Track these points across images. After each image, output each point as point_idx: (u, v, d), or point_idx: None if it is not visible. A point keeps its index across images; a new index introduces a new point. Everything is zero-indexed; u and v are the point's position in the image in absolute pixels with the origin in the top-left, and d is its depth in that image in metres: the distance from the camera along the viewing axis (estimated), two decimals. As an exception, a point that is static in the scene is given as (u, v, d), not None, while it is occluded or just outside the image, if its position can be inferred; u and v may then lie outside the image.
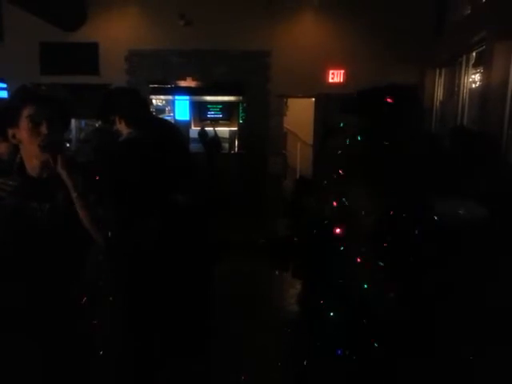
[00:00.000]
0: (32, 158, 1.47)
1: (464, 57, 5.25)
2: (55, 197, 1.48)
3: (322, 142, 2.71)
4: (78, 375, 1.54)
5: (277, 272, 4.14)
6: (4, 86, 6.98)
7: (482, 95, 4.64)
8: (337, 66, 6.70)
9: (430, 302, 1.75)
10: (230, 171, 7.02)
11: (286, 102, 7.58)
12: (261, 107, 6.90)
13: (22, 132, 1.43)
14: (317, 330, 1.43)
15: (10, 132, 1.47)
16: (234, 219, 5.45)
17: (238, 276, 4.23)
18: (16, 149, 1.50)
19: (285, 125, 7.51)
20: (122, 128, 2.42)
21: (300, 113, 7.71)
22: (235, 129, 8.33)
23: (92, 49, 6.68)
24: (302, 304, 2.76)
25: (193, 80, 6.91)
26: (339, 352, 1.34)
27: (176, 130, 2.84)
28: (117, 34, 6.66)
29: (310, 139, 7.41)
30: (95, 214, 1.49)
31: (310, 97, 7.03)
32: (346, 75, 6.69)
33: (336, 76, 6.74)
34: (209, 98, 8.36)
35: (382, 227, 1.25)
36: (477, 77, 4.99)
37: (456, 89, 5.50)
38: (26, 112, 1.42)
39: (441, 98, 6.20)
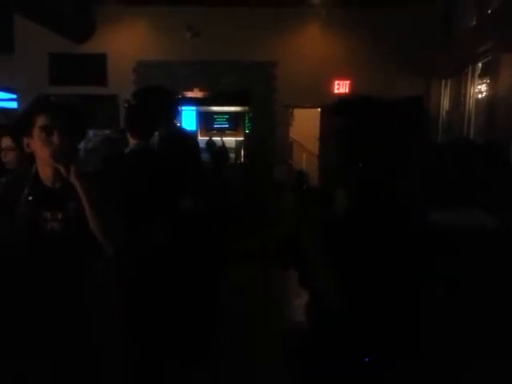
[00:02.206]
0: (45, 167, 1.48)
1: (470, 67, 5.26)
2: (67, 206, 1.49)
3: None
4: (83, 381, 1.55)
5: (282, 272, 4.14)
6: (14, 96, 7.09)
7: (489, 105, 4.64)
8: (343, 77, 6.74)
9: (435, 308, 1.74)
10: (233, 181, 7.04)
11: (292, 112, 7.62)
12: (267, 117, 6.94)
13: (36, 141, 1.45)
14: (322, 341, 1.42)
15: (25, 141, 1.49)
16: (239, 229, 5.45)
17: (240, 283, 4.22)
18: (31, 158, 1.52)
19: (291, 135, 7.54)
20: (130, 139, 2.46)
21: (306, 123, 7.73)
22: (241, 139, 8.37)
23: (100, 60, 6.78)
24: (308, 315, 2.75)
25: (200, 90, 6.97)
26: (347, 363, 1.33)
27: (190, 141, 2.89)
28: (125, 46, 6.75)
29: (315, 149, 7.42)
30: (105, 223, 1.49)
31: (316, 107, 7.06)
32: (352, 86, 6.72)
33: (342, 86, 6.77)
34: (215, 109, 8.42)
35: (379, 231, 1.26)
36: (483, 87, 5.00)
37: (462, 99, 5.50)
38: (38, 121, 1.44)
39: (447, 108, 6.20)
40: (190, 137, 2.98)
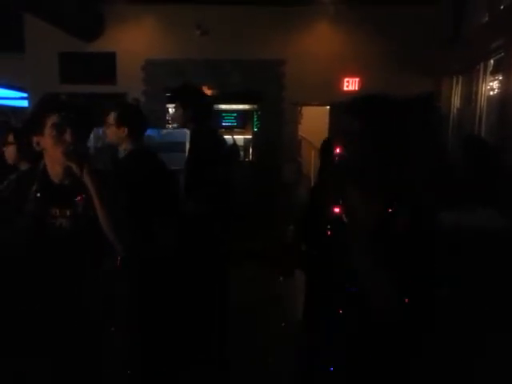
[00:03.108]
0: (55, 164, 1.49)
1: (482, 64, 5.19)
2: (76, 203, 1.50)
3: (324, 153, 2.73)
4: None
5: (280, 278, 4.15)
6: (25, 95, 7.16)
7: (501, 103, 4.57)
8: (352, 74, 6.69)
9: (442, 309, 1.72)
10: (241, 179, 7.02)
11: (301, 110, 7.59)
12: (275, 115, 6.93)
13: (47, 140, 1.46)
14: (319, 340, 1.41)
15: (35, 139, 1.50)
16: (246, 228, 5.44)
17: (247, 284, 4.23)
18: (39, 155, 1.53)
19: (299, 133, 7.52)
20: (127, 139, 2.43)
21: (315, 121, 7.71)
22: (250, 137, 8.36)
23: (110, 59, 6.81)
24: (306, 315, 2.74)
25: (208, 89, 6.97)
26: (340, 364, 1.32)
27: (219, 140, 2.91)
28: (134, 44, 6.78)
29: (324, 147, 7.39)
30: (116, 221, 1.50)
31: (325, 105, 7.03)
32: (362, 83, 6.67)
33: (351, 84, 6.73)
34: (224, 107, 8.41)
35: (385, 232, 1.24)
36: (495, 84, 4.93)
37: (473, 97, 5.43)
38: (50, 120, 1.45)
39: (458, 105, 6.13)
40: (215, 137, 2.97)
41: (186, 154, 2.84)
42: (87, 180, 1.44)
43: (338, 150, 1.35)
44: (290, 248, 1.45)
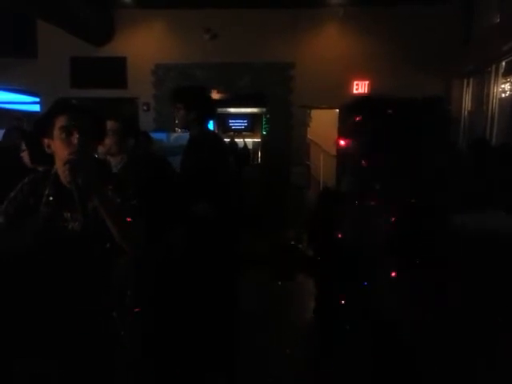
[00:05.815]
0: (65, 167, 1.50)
1: (493, 66, 5.14)
2: (87, 207, 1.50)
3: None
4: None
5: (279, 283, 4.18)
6: (37, 99, 7.25)
7: (513, 105, 4.53)
8: (361, 77, 6.67)
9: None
10: (251, 182, 7.04)
11: (310, 113, 7.58)
12: (284, 118, 6.93)
13: (56, 142, 1.47)
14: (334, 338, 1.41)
15: (46, 142, 1.51)
16: (256, 231, 5.44)
17: (256, 288, 4.22)
18: (52, 159, 1.53)
19: (308, 135, 7.50)
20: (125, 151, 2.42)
21: (324, 123, 7.69)
22: (258, 140, 8.38)
23: (120, 63, 6.87)
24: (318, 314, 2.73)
25: (217, 92, 7.00)
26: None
27: (219, 143, 2.88)
28: (144, 49, 6.84)
29: (333, 150, 7.37)
30: (123, 226, 1.49)
31: (334, 108, 7.01)
32: (371, 86, 6.64)
33: (360, 87, 6.71)
34: (233, 110, 8.44)
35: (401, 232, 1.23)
36: (507, 86, 4.88)
37: (485, 99, 5.38)
38: (59, 122, 1.46)
39: (469, 108, 6.07)
40: (220, 139, 2.94)
41: (184, 154, 2.73)
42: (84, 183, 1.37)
43: (342, 143, 1.36)
44: (290, 251, 1.45)
